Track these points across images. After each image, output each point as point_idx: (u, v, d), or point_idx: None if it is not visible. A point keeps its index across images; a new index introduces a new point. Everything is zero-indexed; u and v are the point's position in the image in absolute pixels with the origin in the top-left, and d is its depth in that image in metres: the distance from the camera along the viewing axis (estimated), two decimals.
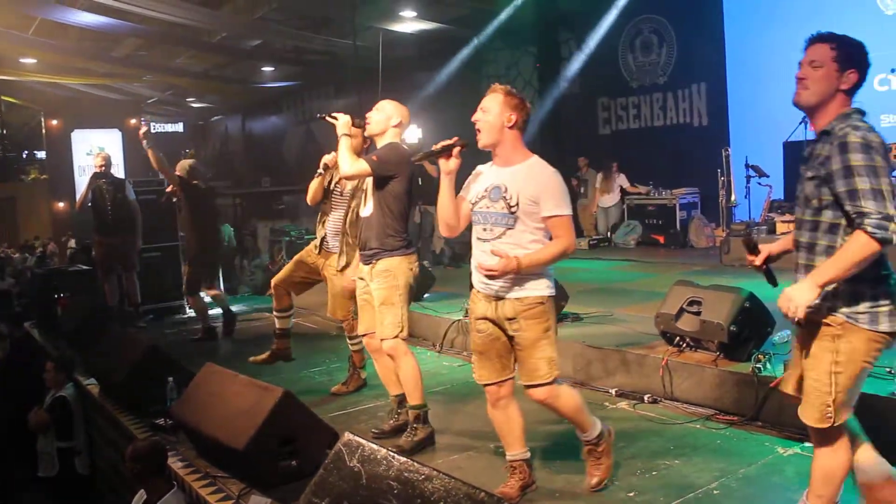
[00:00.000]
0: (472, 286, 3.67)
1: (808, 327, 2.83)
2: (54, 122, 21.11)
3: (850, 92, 2.76)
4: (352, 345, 5.69)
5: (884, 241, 2.54)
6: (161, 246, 9.76)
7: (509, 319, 3.50)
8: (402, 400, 4.65)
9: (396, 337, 4.37)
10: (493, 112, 3.47)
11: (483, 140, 3.51)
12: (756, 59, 11.56)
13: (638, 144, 13.48)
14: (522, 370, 3.55)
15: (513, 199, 3.43)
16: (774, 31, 11.02)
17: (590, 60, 14.54)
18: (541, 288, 3.49)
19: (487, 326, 3.57)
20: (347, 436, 3.22)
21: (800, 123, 8.33)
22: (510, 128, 3.48)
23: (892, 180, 2.63)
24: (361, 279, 4.60)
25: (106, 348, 6.15)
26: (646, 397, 5.03)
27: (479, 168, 3.66)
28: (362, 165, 4.33)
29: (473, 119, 3.52)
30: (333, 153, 5.37)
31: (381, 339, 4.41)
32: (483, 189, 3.54)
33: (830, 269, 2.63)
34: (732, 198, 10.94)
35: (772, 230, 9.54)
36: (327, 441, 3.88)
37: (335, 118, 4.53)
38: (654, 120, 13.53)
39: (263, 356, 5.91)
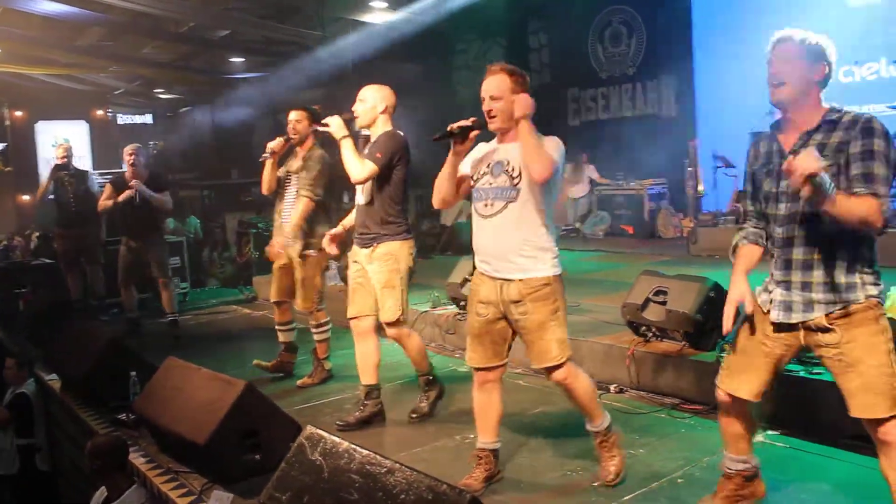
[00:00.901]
0: (474, 267, 3.66)
1: (805, 331, 2.81)
2: (18, 112, 20.72)
3: (822, 84, 2.81)
4: (316, 335, 5.65)
5: (885, 221, 2.57)
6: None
7: (515, 302, 3.45)
8: (370, 391, 4.66)
9: (397, 320, 4.45)
10: (505, 98, 3.41)
11: (497, 125, 3.47)
12: (723, 51, 11.61)
13: (607, 135, 13.50)
14: (532, 354, 3.51)
15: (514, 171, 3.42)
16: (742, 23, 11.08)
17: (559, 51, 14.57)
18: (545, 268, 3.45)
19: (488, 310, 3.52)
20: (309, 429, 3.19)
21: (766, 114, 8.37)
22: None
23: None
24: (356, 262, 4.61)
25: (67, 343, 6.04)
26: (612, 387, 5.04)
27: (482, 146, 3.62)
28: (371, 167, 4.37)
29: (486, 108, 3.44)
30: (279, 138, 5.43)
31: (385, 324, 4.48)
32: (486, 166, 3.53)
33: (837, 202, 2.52)
34: (700, 188, 11.00)
35: (738, 220, 9.60)
36: (291, 434, 3.82)
37: (327, 125, 4.49)
38: (623, 111, 13.57)
39: (269, 363, 5.84)
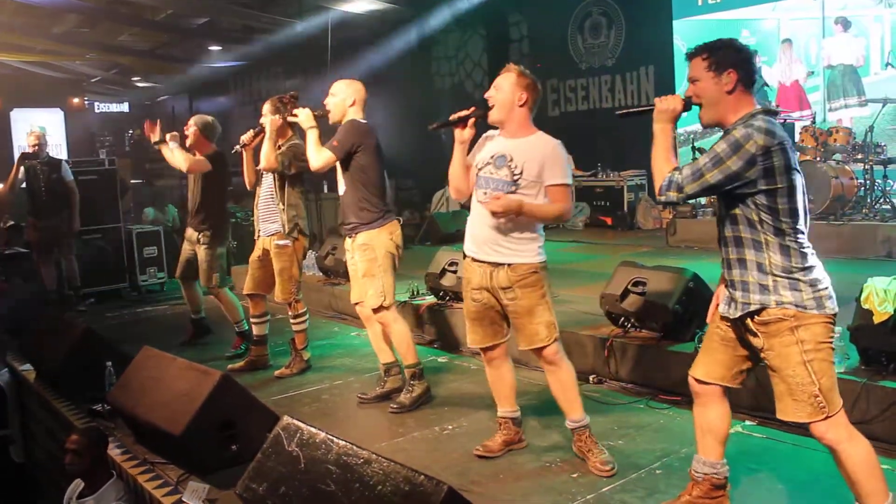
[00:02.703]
0: (465, 255, 3.85)
1: (743, 328, 2.86)
2: None
3: (738, 89, 2.79)
4: (295, 326, 5.62)
5: (660, 189, 2.83)
6: (103, 228, 9.56)
7: (504, 289, 3.65)
8: (388, 367, 4.88)
9: (381, 307, 4.59)
10: (505, 90, 3.65)
11: (494, 115, 3.68)
12: (704, 42, 11.64)
13: (586, 126, 13.50)
14: (522, 337, 3.73)
15: (517, 169, 3.60)
16: (721, 15, 11.13)
17: (539, 42, 14.55)
18: (531, 255, 3.66)
19: (483, 296, 3.74)
20: (286, 420, 3.18)
21: None
22: (521, 106, 3.67)
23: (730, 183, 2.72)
24: (348, 251, 4.79)
25: (42, 333, 5.98)
26: (590, 378, 5.05)
27: (488, 133, 3.82)
28: (327, 155, 4.55)
29: (486, 95, 3.70)
30: (250, 131, 5.43)
31: (371, 310, 4.64)
32: (489, 156, 3.70)
33: (656, 151, 2.91)
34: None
35: (716, 212, 9.65)
36: (268, 425, 3.79)
37: (296, 115, 4.72)
38: (603, 102, 13.57)
39: (240, 364, 5.80)
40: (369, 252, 4.60)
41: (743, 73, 2.78)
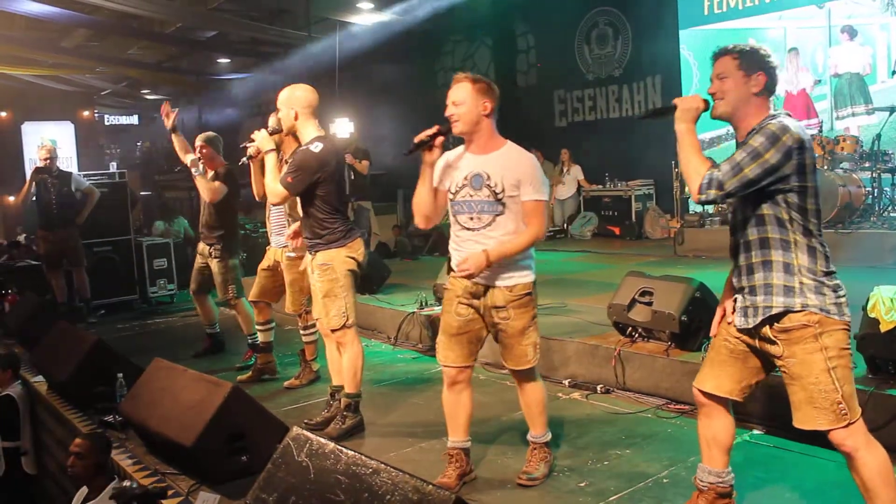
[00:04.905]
0: (450, 270, 3.72)
1: (759, 338, 2.84)
2: (3, 114, 20.61)
3: (764, 93, 2.84)
4: (305, 337, 5.66)
5: (700, 188, 2.73)
6: (112, 240, 9.63)
7: (497, 308, 3.55)
8: (335, 392, 4.70)
9: (343, 326, 4.40)
10: (466, 103, 3.50)
11: (460, 129, 3.52)
12: (709, 52, 11.67)
13: (593, 136, 13.55)
14: (510, 356, 3.63)
15: (497, 187, 3.47)
16: (727, 24, 11.17)
17: (546, 53, 14.61)
18: (526, 275, 3.56)
19: (468, 312, 3.60)
20: (296, 430, 3.20)
21: None
22: (486, 115, 3.52)
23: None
24: (308, 266, 4.62)
25: (53, 344, 6.02)
26: (598, 387, 5.06)
27: (449, 155, 3.64)
28: (280, 192, 4.26)
29: (447, 114, 3.53)
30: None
31: (330, 330, 4.46)
32: (462, 178, 3.55)
33: (686, 151, 2.80)
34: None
35: (725, 221, 9.66)
36: (278, 436, 3.82)
37: (252, 140, 4.40)
38: (610, 112, 13.61)
39: (248, 375, 5.84)
40: (330, 272, 4.36)
41: (769, 79, 2.84)
